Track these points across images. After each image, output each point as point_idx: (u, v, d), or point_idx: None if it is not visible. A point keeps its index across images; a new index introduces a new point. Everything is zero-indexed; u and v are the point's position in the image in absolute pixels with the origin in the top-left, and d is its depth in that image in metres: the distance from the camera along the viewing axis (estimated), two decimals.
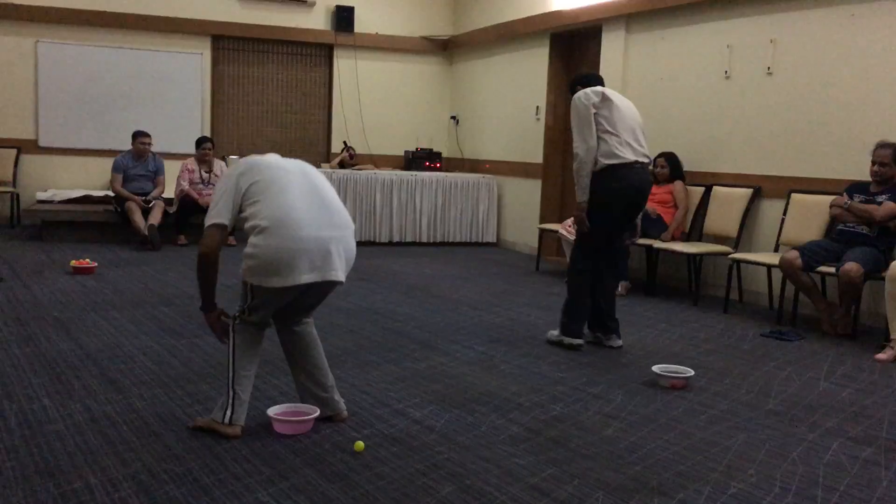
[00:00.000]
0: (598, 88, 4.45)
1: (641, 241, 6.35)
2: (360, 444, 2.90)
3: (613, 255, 4.69)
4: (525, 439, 3.08)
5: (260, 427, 3.09)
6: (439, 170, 9.60)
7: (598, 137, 4.35)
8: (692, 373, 3.92)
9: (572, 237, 6.90)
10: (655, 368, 3.91)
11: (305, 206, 2.93)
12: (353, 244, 3.07)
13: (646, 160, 4.49)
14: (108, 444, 2.87)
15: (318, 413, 3.12)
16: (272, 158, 3.13)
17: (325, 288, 3.06)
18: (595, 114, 4.35)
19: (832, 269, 5.01)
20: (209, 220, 2.98)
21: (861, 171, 5.33)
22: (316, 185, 3.04)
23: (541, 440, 3.07)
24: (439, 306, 5.60)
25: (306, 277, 2.89)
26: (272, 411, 3.10)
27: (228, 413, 2.97)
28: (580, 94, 4.45)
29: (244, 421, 3.00)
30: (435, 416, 3.31)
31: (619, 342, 4.58)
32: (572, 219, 7.04)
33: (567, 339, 4.51)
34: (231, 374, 3.00)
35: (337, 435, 3.04)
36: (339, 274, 2.97)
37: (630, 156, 4.37)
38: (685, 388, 3.83)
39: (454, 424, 3.21)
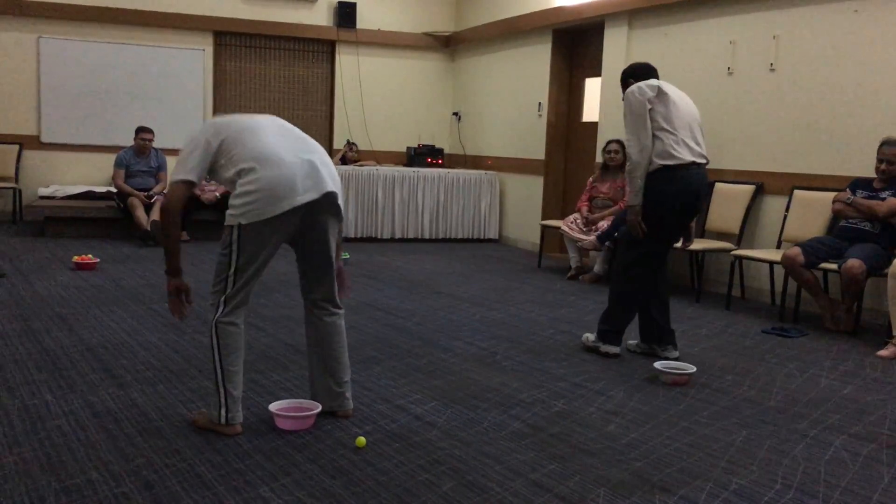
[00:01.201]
0: (654, 81, 4.11)
1: None
2: (361, 440, 2.90)
3: (663, 263, 4.32)
4: (526, 435, 3.08)
5: (262, 423, 3.09)
6: (441, 166, 9.60)
7: (654, 135, 4.02)
8: (694, 369, 3.91)
9: (574, 234, 6.92)
10: (657, 365, 3.91)
11: (280, 141, 2.99)
12: (331, 162, 3.11)
13: (703, 161, 4.12)
14: (109, 439, 2.87)
15: (319, 409, 3.12)
16: (237, 115, 3.14)
17: (323, 216, 3.05)
18: (650, 109, 4.01)
19: (834, 266, 5.00)
20: (176, 177, 2.96)
21: (864, 167, 5.32)
22: (285, 126, 3.10)
23: (542, 436, 3.07)
24: (441, 303, 5.60)
25: (308, 196, 2.91)
26: (274, 407, 3.10)
27: (224, 413, 2.96)
28: (634, 87, 4.09)
29: (241, 417, 3.00)
30: (436, 412, 3.31)
31: (676, 353, 4.26)
32: (575, 215, 7.06)
33: (604, 347, 4.25)
34: (220, 374, 2.96)
35: (339, 431, 3.05)
36: (329, 185, 2.99)
37: (687, 156, 4.03)
38: (687, 384, 3.83)
39: (455, 420, 3.21)
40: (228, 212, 2.92)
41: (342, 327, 3.25)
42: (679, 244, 4.40)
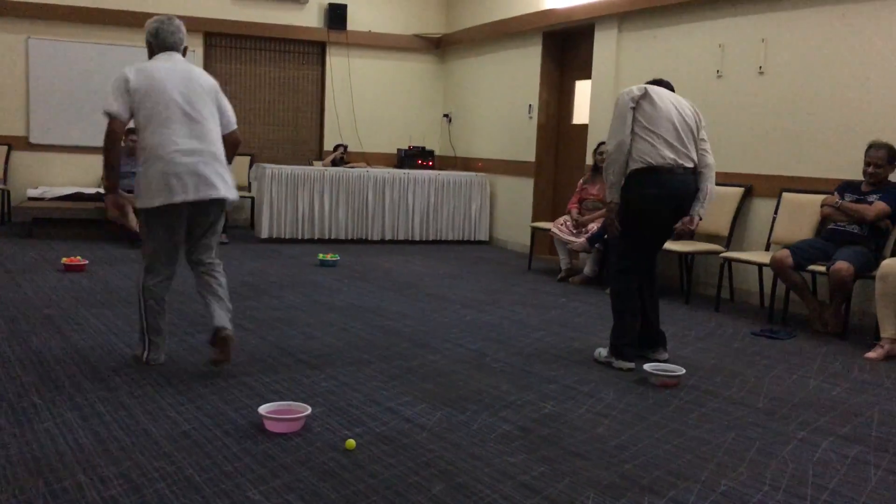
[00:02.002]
0: (644, 85, 4.13)
1: None
2: (351, 443, 2.90)
3: (652, 265, 4.32)
4: (516, 437, 3.08)
5: (251, 425, 3.08)
6: (432, 168, 9.60)
7: (635, 135, 4.02)
8: (683, 371, 3.93)
9: (564, 236, 6.93)
10: (647, 367, 3.92)
11: (179, 137, 3.59)
12: (223, 168, 3.72)
13: (690, 164, 4.07)
14: (98, 443, 2.86)
15: (309, 411, 3.12)
16: (161, 74, 3.67)
17: (207, 210, 3.73)
18: (634, 108, 4.02)
19: (823, 268, 5.03)
20: (106, 110, 3.62)
21: (852, 170, 5.35)
22: (193, 117, 3.66)
23: (532, 438, 3.08)
24: (431, 305, 5.60)
25: (180, 197, 3.57)
26: (263, 409, 3.09)
27: (146, 354, 3.81)
28: (624, 90, 4.13)
29: (163, 358, 3.85)
30: (426, 414, 3.31)
31: (666, 354, 4.28)
32: (565, 217, 7.08)
33: (617, 362, 4.13)
34: (144, 326, 3.80)
35: (328, 433, 3.04)
36: (219, 192, 3.66)
37: (668, 158, 3.99)
38: (676, 386, 3.84)
39: (445, 422, 3.21)
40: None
41: (216, 275, 3.87)
42: (676, 228, 4.24)
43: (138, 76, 3.64)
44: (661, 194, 4.05)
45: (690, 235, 4.32)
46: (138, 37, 9.06)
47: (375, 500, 2.49)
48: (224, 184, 3.71)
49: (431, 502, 2.49)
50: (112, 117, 3.59)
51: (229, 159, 3.82)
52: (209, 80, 3.84)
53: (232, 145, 3.89)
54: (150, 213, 3.65)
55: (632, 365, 4.09)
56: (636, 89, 4.08)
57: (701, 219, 4.19)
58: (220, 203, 3.76)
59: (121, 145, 3.68)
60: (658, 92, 4.11)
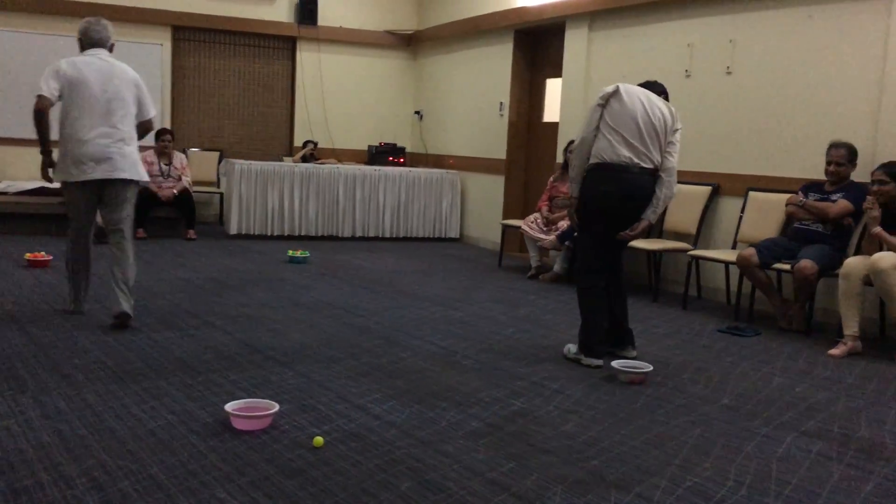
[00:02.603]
0: (620, 84, 4.13)
1: None
2: (319, 440, 2.89)
3: (616, 262, 4.32)
4: (485, 434, 3.08)
5: (217, 423, 3.06)
6: (403, 165, 9.58)
7: (599, 132, 4.07)
8: (651, 368, 3.96)
9: (534, 233, 6.96)
10: (614, 364, 3.95)
11: (95, 124, 4.32)
12: (130, 152, 4.43)
13: (648, 165, 4.05)
14: (60, 441, 2.81)
15: (276, 408, 3.10)
16: (88, 69, 4.41)
17: (113, 188, 4.41)
18: (603, 106, 4.07)
19: (787, 267, 5.10)
20: (38, 91, 4.33)
21: (817, 170, 5.43)
22: (110, 109, 4.38)
23: (500, 435, 3.08)
24: (401, 301, 5.59)
25: (88, 176, 4.32)
26: (230, 407, 3.07)
27: (72, 304, 4.64)
28: (602, 90, 4.16)
29: (84, 307, 4.66)
30: (395, 411, 3.30)
31: (634, 352, 4.30)
32: (535, 215, 7.10)
33: (585, 359, 4.13)
34: (70, 274, 4.60)
35: (296, 430, 3.02)
36: (124, 174, 4.38)
37: (624, 156, 4.00)
38: (643, 383, 3.87)
39: (414, 420, 3.21)
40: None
41: (125, 248, 4.47)
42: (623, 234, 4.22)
43: (69, 67, 4.39)
44: (613, 191, 4.07)
45: (637, 237, 4.24)
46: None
47: (343, 498, 2.48)
48: (131, 167, 4.42)
49: (400, 499, 2.48)
50: (40, 96, 4.31)
51: (140, 137, 4.59)
52: (131, 74, 4.53)
53: (144, 130, 4.61)
54: (67, 186, 4.44)
55: (600, 362, 4.11)
56: (610, 87, 4.11)
57: (650, 223, 4.15)
58: (127, 183, 4.44)
59: (48, 119, 4.37)
60: (630, 91, 4.10)
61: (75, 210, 4.51)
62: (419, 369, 3.94)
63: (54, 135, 4.40)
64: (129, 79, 4.49)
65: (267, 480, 2.58)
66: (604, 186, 4.08)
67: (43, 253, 6.35)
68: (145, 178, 4.57)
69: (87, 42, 4.52)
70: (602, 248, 4.24)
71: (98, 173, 4.32)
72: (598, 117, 4.08)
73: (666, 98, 4.28)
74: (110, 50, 4.59)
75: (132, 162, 4.43)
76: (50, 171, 4.48)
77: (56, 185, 4.57)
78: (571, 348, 4.27)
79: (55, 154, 4.46)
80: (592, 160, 4.10)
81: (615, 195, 4.08)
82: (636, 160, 4.04)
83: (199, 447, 2.82)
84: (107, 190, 4.42)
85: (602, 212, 4.15)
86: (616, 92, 4.08)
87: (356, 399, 3.43)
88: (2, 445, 2.75)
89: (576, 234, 6.45)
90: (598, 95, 4.13)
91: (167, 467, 2.64)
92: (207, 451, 2.78)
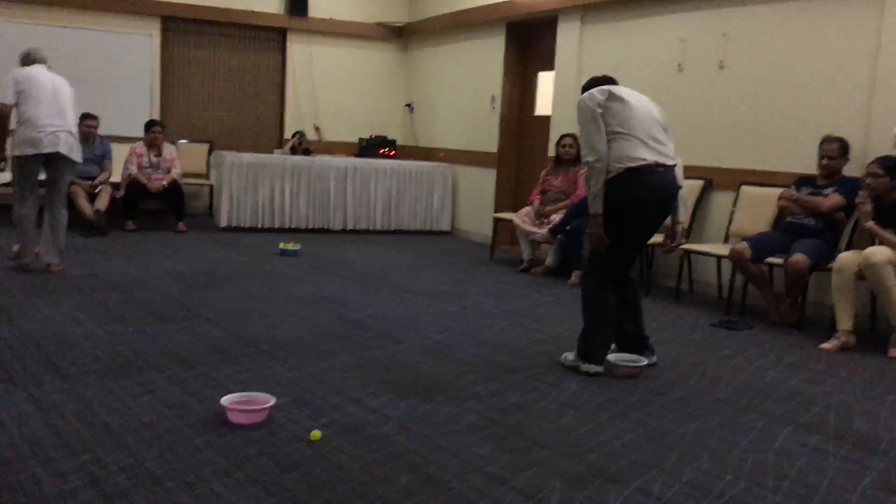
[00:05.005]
0: (605, 87, 3.88)
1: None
2: (316, 434, 2.87)
3: (630, 269, 4.12)
4: (482, 428, 3.07)
5: (213, 417, 3.03)
6: (393, 157, 9.55)
7: (609, 140, 3.76)
8: (645, 362, 3.96)
9: (527, 227, 6.95)
10: (610, 357, 3.94)
11: (46, 112, 5.44)
12: (73, 136, 5.60)
13: (670, 162, 3.84)
14: (54, 435, 2.79)
15: (273, 401, 3.08)
16: (39, 75, 5.60)
17: (58, 163, 5.56)
18: (602, 114, 3.79)
19: (780, 261, 5.11)
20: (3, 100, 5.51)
21: (809, 164, 5.44)
22: (59, 102, 5.54)
23: (498, 429, 3.07)
24: (394, 295, 5.58)
25: (40, 150, 5.40)
26: (226, 401, 3.04)
27: (18, 251, 5.68)
28: (584, 95, 3.88)
29: (28, 260, 5.59)
30: (391, 405, 3.29)
31: (654, 358, 4.08)
32: (528, 208, 7.09)
33: (585, 366, 3.89)
34: (27, 239, 5.59)
35: (293, 424, 3.00)
36: (67, 153, 5.53)
37: (648, 157, 3.75)
38: (639, 376, 3.87)
39: (411, 413, 3.20)
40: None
41: (61, 213, 5.70)
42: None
43: (21, 73, 5.58)
44: (645, 197, 3.80)
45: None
46: (94, 20, 8.97)
47: (342, 493, 2.46)
48: (76, 151, 5.61)
49: (398, 494, 2.47)
50: (3, 104, 5.52)
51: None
52: (67, 85, 5.72)
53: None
54: (21, 159, 5.49)
55: (600, 368, 3.89)
56: (597, 93, 3.85)
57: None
58: (67, 160, 5.57)
59: (9, 122, 5.55)
60: (622, 91, 3.89)
61: (28, 177, 5.55)
62: (413, 363, 3.93)
63: (12, 125, 5.53)
64: (67, 86, 5.71)
65: (265, 475, 2.56)
66: (635, 194, 3.77)
67: None
68: (80, 159, 5.72)
69: (31, 60, 5.72)
70: (622, 263, 4.01)
71: (47, 149, 5.42)
72: (603, 125, 3.80)
73: None
74: (48, 68, 5.78)
75: (73, 146, 5.60)
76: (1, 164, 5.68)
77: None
78: (569, 356, 4.02)
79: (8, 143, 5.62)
80: (613, 168, 3.76)
81: (651, 202, 3.84)
82: (660, 160, 3.79)
83: (195, 441, 2.80)
84: (52, 166, 5.56)
85: (633, 221, 3.88)
86: (610, 95, 3.83)
87: (352, 393, 3.42)
88: None
89: (569, 228, 6.46)
90: (590, 104, 3.83)
91: (163, 462, 2.61)
92: (204, 446, 2.76)
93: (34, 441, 2.72)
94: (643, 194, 3.79)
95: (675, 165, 3.91)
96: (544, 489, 2.56)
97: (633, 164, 3.74)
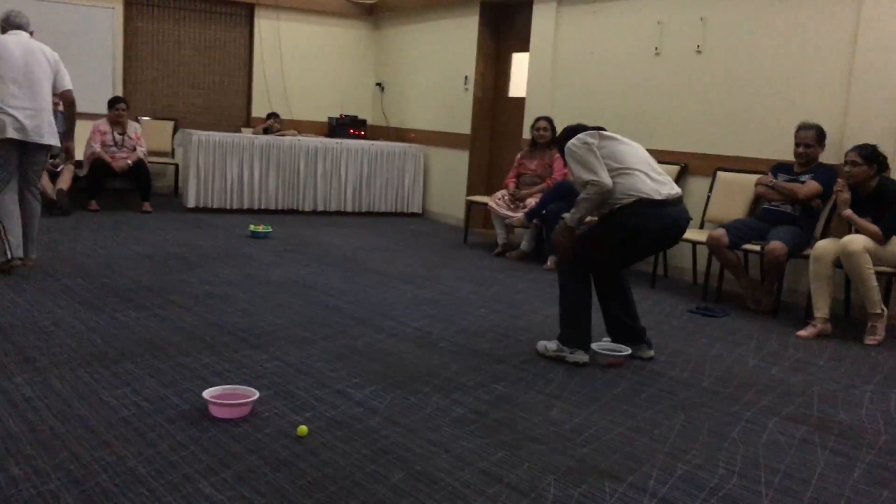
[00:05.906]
0: (591, 131, 3.84)
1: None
2: (303, 429, 2.79)
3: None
4: (471, 421, 3.03)
5: (195, 411, 2.94)
6: (364, 137, 9.42)
7: (613, 176, 3.69)
8: (629, 350, 3.95)
9: (502, 210, 6.89)
10: (593, 346, 3.92)
11: (19, 94, 4.82)
12: (48, 117, 4.95)
13: (679, 192, 3.81)
14: (30, 431, 2.67)
15: (257, 395, 2.99)
16: (10, 45, 4.87)
17: (33, 150, 4.93)
18: (594, 151, 3.74)
19: (757, 248, 5.13)
20: None
21: (786, 151, 5.46)
22: (32, 80, 4.88)
23: (487, 422, 3.03)
24: (370, 279, 5.49)
25: (11, 135, 4.77)
26: (208, 394, 2.95)
27: (8, 253, 4.83)
28: (573, 141, 3.79)
29: (21, 253, 4.89)
30: (377, 397, 3.22)
31: (651, 352, 4.01)
32: (503, 192, 7.03)
33: (570, 355, 3.83)
34: (2, 229, 4.81)
35: (278, 418, 2.92)
36: (42, 140, 4.89)
37: (662, 189, 3.71)
38: (622, 365, 3.86)
39: (398, 406, 3.14)
40: None
41: (34, 204, 5.04)
42: None
43: None
44: (667, 226, 3.79)
45: None
46: None
47: (334, 491, 2.40)
48: (49, 133, 4.94)
49: (391, 492, 2.41)
50: None
51: (70, 117, 5.27)
52: (49, 52, 5.01)
53: (68, 104, 5.20)
54: None
55: (587, 358, 3.83)
56: (587, 136, 3.78)
57: None
58: (44, 147, 4.97)
59: None
60: (610, 133, 3.88)
61: (4, 163, 4.88)
62: (395, 352, 3.86)
63: None
64: (47, 56, 4.99)
65: (252, 473, 2.48)
66: (656, 223, 3.73)
67: None
68: (58, 143, 5.05)
69: (10, 25, 5.06)
70: (609, 268, 3.98)
71: (19, 135, 4.82)
72: (600, 158, 3.73)
73: None
74: (31, 35, 5.09)
75: (51, 128, 4.98)
76: None
77: None
78: (549, 346, 3.93)
79: None
80: (629, 197, 3.68)
81: (669, 235, 3.88)
82: (674, 191, 3.77)
83: (178, 437, 2.70)
84: (27, 153, 4.95)
85: (648, 244, 3.99)
86: (601, 136, 3.79)
87: (335, 384, 3.34)
88: None
89: (545, 212, 6.41)
90: (581, 146, 3.74)
91: (146, 459, 2.52)
92: (188, 442, 2.67)
93: (9, 437, 2.61)
94: (668, 225, 3.78)
95: (682, 196, 3.87)
96: (539, 486, 2.52)
97: (648, 195, 3.67)
